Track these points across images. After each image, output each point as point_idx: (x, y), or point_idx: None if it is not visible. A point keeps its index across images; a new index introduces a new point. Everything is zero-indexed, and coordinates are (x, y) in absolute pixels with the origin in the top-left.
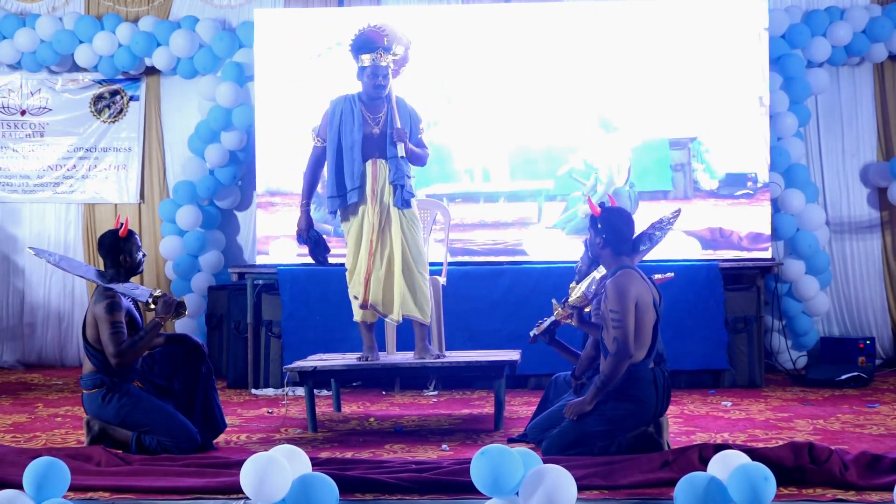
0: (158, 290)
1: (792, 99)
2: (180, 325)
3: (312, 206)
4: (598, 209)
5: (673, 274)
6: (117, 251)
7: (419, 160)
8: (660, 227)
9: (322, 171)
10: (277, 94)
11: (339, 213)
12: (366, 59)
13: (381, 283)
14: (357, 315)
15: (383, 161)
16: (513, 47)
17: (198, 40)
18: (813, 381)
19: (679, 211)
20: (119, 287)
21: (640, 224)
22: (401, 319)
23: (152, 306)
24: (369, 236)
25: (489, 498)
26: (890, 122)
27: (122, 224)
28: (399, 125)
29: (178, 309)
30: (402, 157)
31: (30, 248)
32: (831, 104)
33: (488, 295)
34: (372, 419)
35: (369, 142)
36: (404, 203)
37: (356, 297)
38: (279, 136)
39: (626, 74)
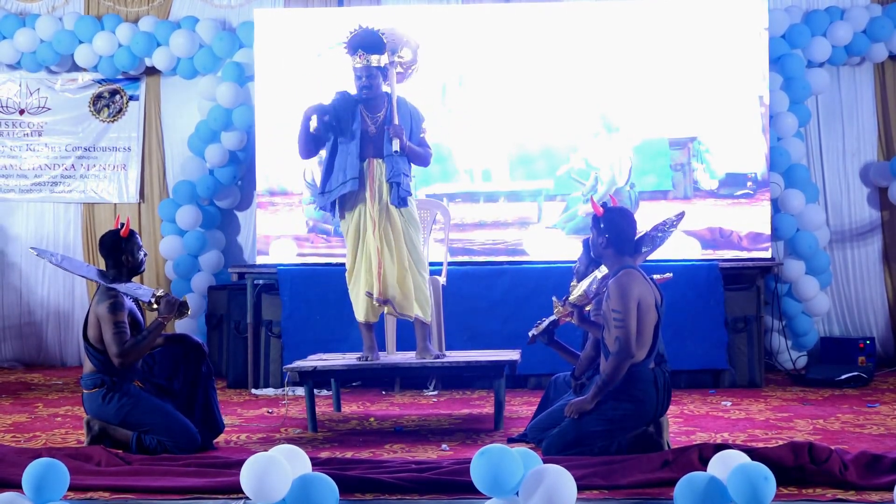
0: (161, 290)
1: (792, 99)
2: (180, 325)
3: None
4: (601, 209)
5: (671, 274)
6: (119, 251)
7: (421, 159)
8: (662, 230)
9: (315, 148)
10: (277, 94)
11: (337, 212)
12: (355, 59)
13: (397, 279)
14: (360, 315)
15: (380, 160)
16: (513, 47)
17: (198, 40)
18: (813, 381)
19: (683, 214)
20: (121, 287)
21: (641, 224)
22: (414, 317)
23: (155, 306)
24: (372, 233)
25: (489, 498)
26: (890, 122)
27: (122, 224)
28: (397, 122)
29: (180, 309)
30: (396, 151)
31: (32, 248)
32: (831, 104)
33: (488, 295)
34: (372, 419)
35: (366, 140)
36: (401, 201)
37: (370, 294)
38: (279, 136)
39: (626, 74)
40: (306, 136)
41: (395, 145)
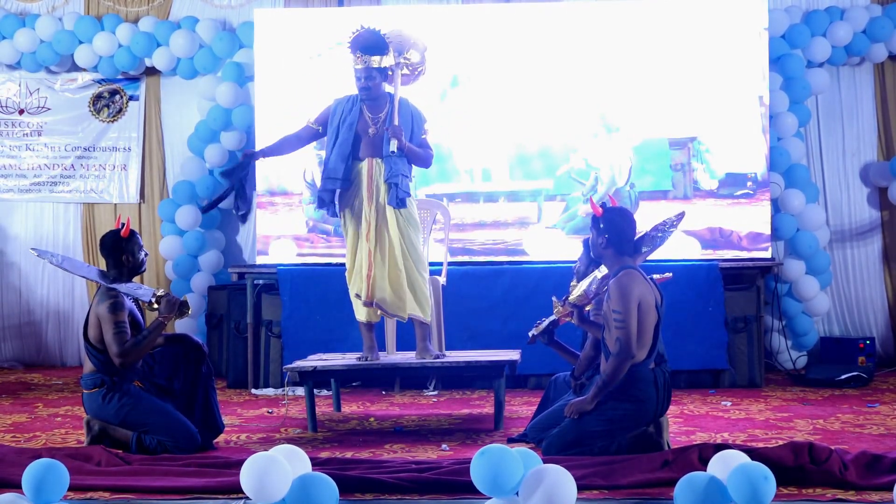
0: (161, 290)
1: (792, 99)
2: (180, 325)
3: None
4: (601, 209)
5: (671, 274)
6: (119, 251)
7: (421, 161)
8: (662, 230)
9: (296, 145)
10: (277, 94)
11: (339, 211)
12: (355, 60)
13: (387, 281)
14: (361, 315)
15: (379, 160)
16: (513, 47)
17: (198, 40)
18: (813, 381)
19: (683, 214)
20: (122, 287)
21: (641, 224)
22: (407, 318)
23: (155, 306)
24: (366, 234)
25: (489, 498)
26: (890, 122)
27: (123, 224)
28: (397, 123)
29: (181, 309)
30: (394, 152)
31: (32, 248)
32: (831, 104)
33: (488, 295)
34: (372, 419)
35: (366, 141)
36: (399, 202)
37: (358, 296)
38: (279, 137)
39: (626, 74)
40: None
41: (393, 146)
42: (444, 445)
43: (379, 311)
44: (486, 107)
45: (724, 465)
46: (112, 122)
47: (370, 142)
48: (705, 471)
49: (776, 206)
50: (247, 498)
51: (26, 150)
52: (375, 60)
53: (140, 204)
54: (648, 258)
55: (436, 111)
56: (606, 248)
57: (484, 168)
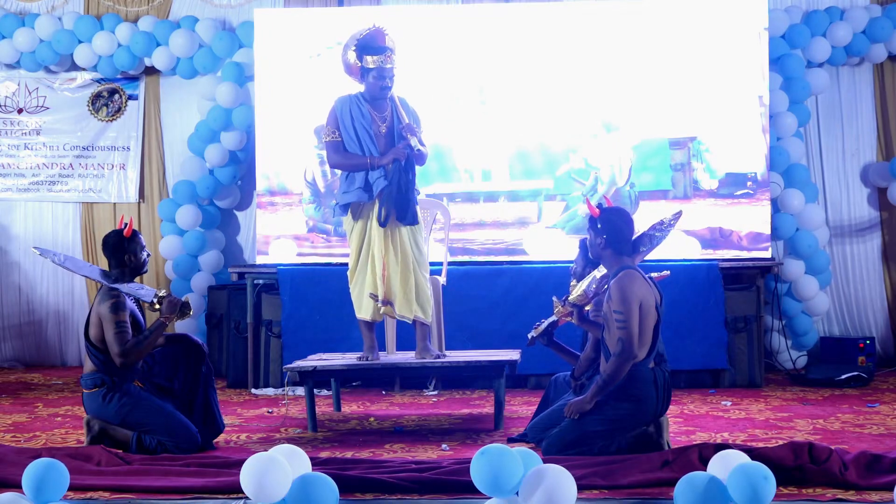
0: (163, 291)
1: (792, 99)
2: (180, 325)
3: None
4: (597, 210)
5: (669, 272)
6: (122, 251)
7: (422, 158)
8: (660, 229)
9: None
10: (277, 94)
11: (349, 212)
12: (372, 60)
13: (399, 281)
14: (365, 314)
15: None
16: (513, 47)
17: (197, 40)
18: (813, 381)
19: (680, 213)
20: (124, 287)
21: (641, 224)
22: (413, 319)
23: (157, 307)
24: (380, 234)
25: (489, 498)
26: (890, 123)
27: (126, 224)
28: (407, 121)
29: (182, 309)
30: (419, 150)
31: (34, 247)
32: (831, 104)
33: (488, 295)
34: (372, 419)
35: (379, 142)
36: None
37: (374, 296)
38: (279, 136)
39: (627, 74)
40: (353, 167)
41: (415, 143)
42: (444, 445)
43: (382, 310)
44: (486, 106)
45: (724, 465)
46: (111, 121)
47: (382, 141)
48: (705, 471)
49: (776, 205)
50: (247, 498)
51: (25, 149)
52: (393, 59)
53: (139, 203)
54: (647, 257)
55: (436, 110)
56: (605, 248)
57: (484, 168)
